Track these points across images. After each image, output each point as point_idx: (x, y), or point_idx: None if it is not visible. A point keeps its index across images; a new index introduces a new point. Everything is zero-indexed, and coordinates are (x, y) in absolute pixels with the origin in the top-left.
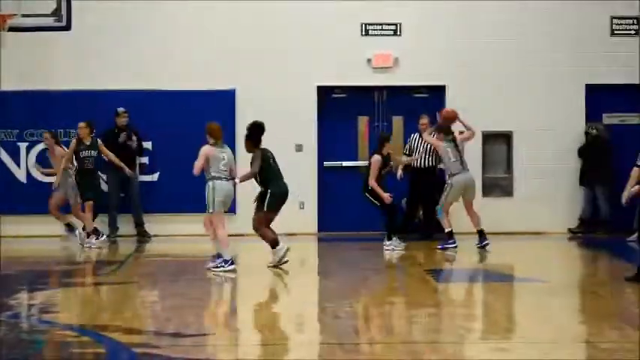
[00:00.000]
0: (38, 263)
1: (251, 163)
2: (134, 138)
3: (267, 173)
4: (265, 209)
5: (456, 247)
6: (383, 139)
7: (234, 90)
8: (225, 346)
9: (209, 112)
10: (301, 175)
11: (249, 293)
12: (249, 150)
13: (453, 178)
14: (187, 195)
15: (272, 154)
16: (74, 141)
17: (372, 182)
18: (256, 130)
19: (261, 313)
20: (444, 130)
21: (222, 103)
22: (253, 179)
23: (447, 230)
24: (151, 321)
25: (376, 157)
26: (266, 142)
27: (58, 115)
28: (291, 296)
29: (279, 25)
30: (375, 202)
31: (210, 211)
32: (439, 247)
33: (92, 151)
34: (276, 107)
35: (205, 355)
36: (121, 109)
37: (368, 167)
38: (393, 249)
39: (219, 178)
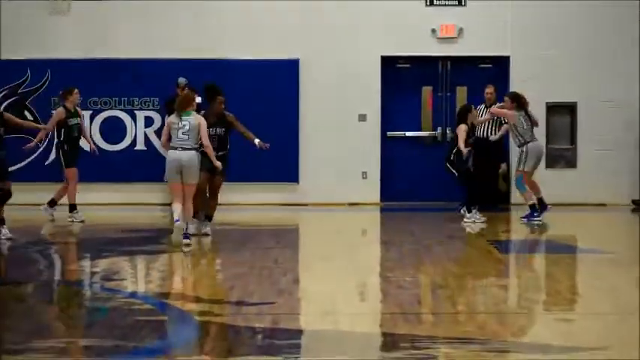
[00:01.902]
0: (101, 231)
1: (234, 124)
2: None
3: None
4: (225, 174)
5: (540, 222)
6: (466, 110)
7: (298, 60)
8: (288, 315)
9: (273, 81)
10: (364, 144)
11: (311, 262)
12: (219, 111)
13: (527, 145)
14: (250, 164)
15: None
16: None
17: (462, 146)
18: (216, 91)
19: (323, 283)
20: (518, 101)
21: (285, 72)
22: (217, 143)
23: (531, 202)
24: (214, 289)
25: (463, 126)
26: (330, 111)
27: (122, 83)
28: (354, 266)
29: None
30: (455, 173)
31: (165, 180)
32: (523, 218)
33: None
34: (339, 77)
35: (268, 324)
36: (181, 80)
37: (453, 139)
38: (474, 221)
39: (174, 148)
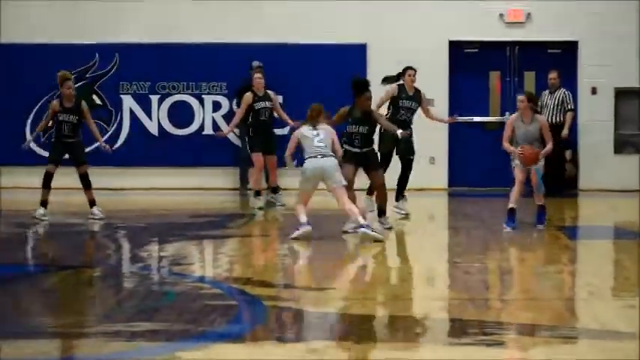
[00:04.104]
0: (169, 215)
1: (379, 121)
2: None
3: None
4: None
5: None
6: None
7: (366, 44)
8: (355, 300)
9: (340, 66)
10: (432, 129)
11: (379, 248)
12: (366, 108)
13: None
14: None
15: None
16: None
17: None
18: (363, 87)
19: (391, 268)
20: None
21: (353, 57)
22: (361, 141)
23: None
24: (282, 274)
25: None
26: None
27: (189, 68)
28: (421, 251)
29: None
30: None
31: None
32: (539, 224)
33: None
34: (407, 62)
35: (335, 309)
36: (255, 63)
37: None
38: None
39: (313, 157)
